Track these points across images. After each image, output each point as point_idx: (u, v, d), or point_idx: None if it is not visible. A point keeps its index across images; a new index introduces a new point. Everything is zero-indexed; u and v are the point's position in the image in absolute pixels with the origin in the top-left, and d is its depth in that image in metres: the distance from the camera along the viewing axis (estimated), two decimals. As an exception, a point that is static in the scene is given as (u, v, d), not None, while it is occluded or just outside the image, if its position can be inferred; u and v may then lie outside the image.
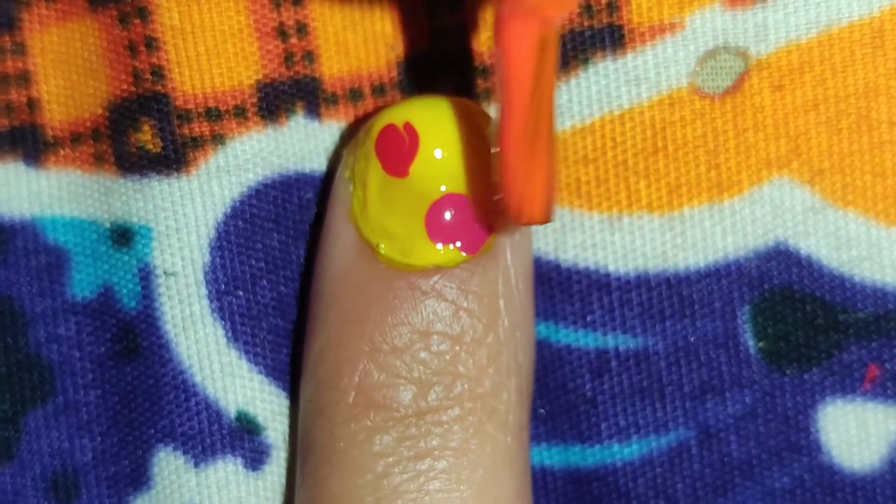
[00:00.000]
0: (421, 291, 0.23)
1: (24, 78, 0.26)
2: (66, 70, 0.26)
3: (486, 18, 0.25)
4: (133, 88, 0.25)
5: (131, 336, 0.25)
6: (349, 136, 0.25)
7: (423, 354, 0.23)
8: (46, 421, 0.26)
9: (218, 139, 0.25)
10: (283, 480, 0.26)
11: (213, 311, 0.25)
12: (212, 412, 0.25)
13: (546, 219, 0.22)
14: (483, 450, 0.23)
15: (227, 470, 0.25)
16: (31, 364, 0.26)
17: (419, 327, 0.23)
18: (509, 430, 0.23)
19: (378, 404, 0.23)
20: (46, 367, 0.26)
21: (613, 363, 0.26)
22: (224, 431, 0.25)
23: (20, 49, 0.26)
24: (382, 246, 0.23)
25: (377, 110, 0.25)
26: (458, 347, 0.23)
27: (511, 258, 0.24)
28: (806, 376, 0.25)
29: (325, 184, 0.26)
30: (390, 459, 0.23)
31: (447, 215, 0.23)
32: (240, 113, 0.25)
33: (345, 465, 0.23)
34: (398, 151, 0.23)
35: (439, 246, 0.23)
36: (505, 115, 0.20)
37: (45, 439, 0.26)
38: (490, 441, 0.23)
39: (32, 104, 0.26)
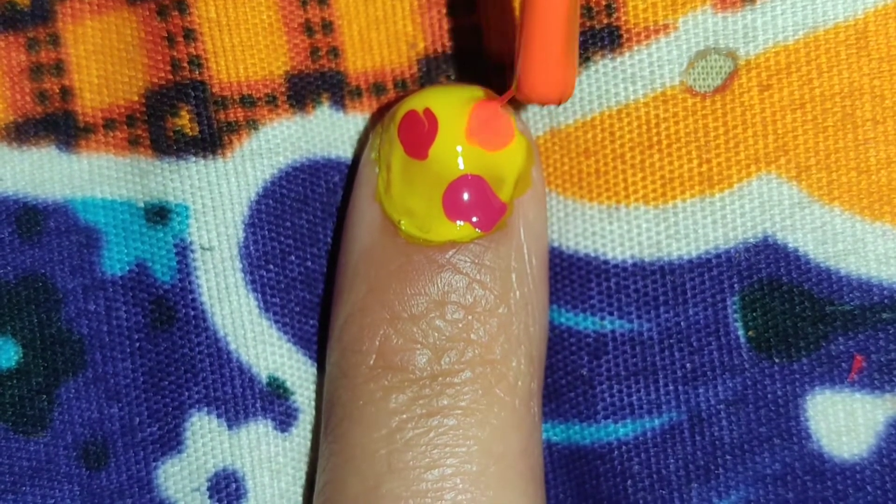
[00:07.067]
0: (437, 264, 0.25)
1: (58, 67, 0.27)
2: (100, 59, 0.27)
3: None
4: (171, 76, 0.26)
5: (164, 308, 0.27)
6: (375, 123, 0.27)
7: (438, 322, 0.24)
8: (78, 392, 0.27)
9: (252, 124, 0.26)
10: (309, 442, 0.27)
11: (247, 283, 0.26)
12: (245, 377, 0.27)
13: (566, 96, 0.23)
14: (491, 410, 0.24)
15: (258, 431, 0.27)
16: (64, 339, 0.27)
17: (435, 297, 0.24)
18: (517, 395, 0.25)
19: (395, 366, 0.24)
20: (78, 342, 0.27)
21: (610, 346, 0.26)
22: (257, 395, 0.27)
23: (54, 40, 0.27)
24: (403, 222, 0.25)
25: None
26: (470, 317, 0.24)
27: (525, 236, 0.25)
28: (794, 366, 0.26)
29: (351, 168, 0.27)
30: (404, 416, 0.24)
31: (463, 195, 0.24)
32: (271, 101, 0.26)
33: (363, 420, 0.24)
34: (418, 136, 0.24)
35: (457, 223, 0.24)
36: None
37: (77, 410, 0.27)
38: (498, 403, 0.24)
39: (65, 92, 0.27)
